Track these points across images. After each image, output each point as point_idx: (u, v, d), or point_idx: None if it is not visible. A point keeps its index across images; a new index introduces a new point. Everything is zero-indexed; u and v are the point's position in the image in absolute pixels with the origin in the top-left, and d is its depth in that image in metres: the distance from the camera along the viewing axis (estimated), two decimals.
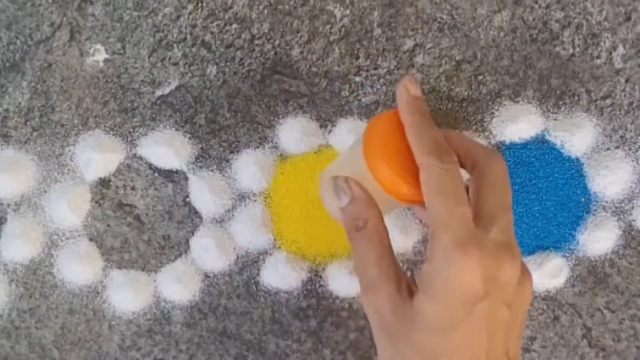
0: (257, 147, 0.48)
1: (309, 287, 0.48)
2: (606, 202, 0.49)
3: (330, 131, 0.49)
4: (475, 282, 0.35)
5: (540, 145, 0.49)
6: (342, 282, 0.48)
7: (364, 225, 0.38)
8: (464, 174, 0.39)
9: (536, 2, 0.49)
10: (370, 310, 0.38)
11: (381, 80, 0.49)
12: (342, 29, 0.49)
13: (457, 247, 0.35)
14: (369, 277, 0.37)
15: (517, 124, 0.48)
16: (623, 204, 0.49)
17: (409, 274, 0.49)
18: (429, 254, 0.36)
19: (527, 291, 0.37)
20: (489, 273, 0.35)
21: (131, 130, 0.48)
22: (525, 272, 0.38)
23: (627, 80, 0.49)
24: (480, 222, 0.36)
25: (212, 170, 0.48)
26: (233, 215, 0.48)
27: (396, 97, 0.39)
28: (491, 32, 0.49)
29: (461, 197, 0.36)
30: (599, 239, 0.48)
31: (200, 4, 0.48)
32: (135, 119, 0.48)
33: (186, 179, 0.48)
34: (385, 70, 0.49)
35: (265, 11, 0.48)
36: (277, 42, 0.48)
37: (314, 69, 0.48)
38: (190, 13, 0.48)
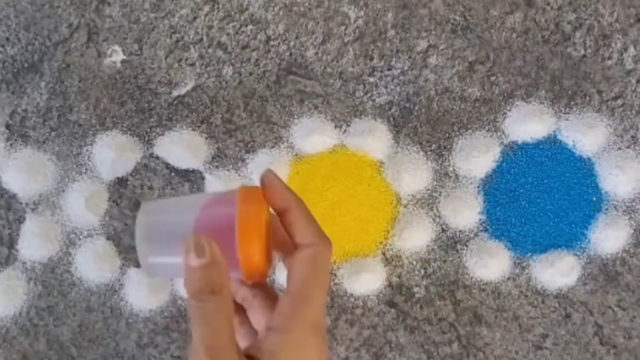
0: (273, 146, 0.49)
1: None
2: (617, 201, 0.49)
3: (344, 131, 0.49)
4: None
5: (552, 145, 0.49)
6: (356, 281, 0.48)
7: (219, 290, 0.35)
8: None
9: (548, 4, 0.49)
10: None
11: (395, 81, 0.49)
12: (357, 30, 0.49)
13: None
14: (217, 342, 0.34)
15: (530, 124, 0.49)
16: (634, 203, 0.49)
17: (422, 272, 0.49)
18: None
19: None
20: None
21: (148, 130, 0.48)
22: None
23: (638, 81, 0.49)
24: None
25: (228, 170, 0.48)
26: None
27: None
28: (504, 34, 0.49)
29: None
30: (610, 238, 0.49)
31: (216, 6, 0.49)
32: (152, 119, 0.48)
33: (202, 178, 0.48)
34: (399, 70, 0.49)
35: (281, 13, 0.49)
36: (292, 43, 0.49)
37: (328, 69, 0.49)
38: (206, 14, 0.49)
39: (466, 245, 0.49)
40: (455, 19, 0.49)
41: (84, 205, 0.48)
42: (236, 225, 0.34)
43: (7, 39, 0.48)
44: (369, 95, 0.49)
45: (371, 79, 0.49)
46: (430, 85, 0.49)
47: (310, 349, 0.35)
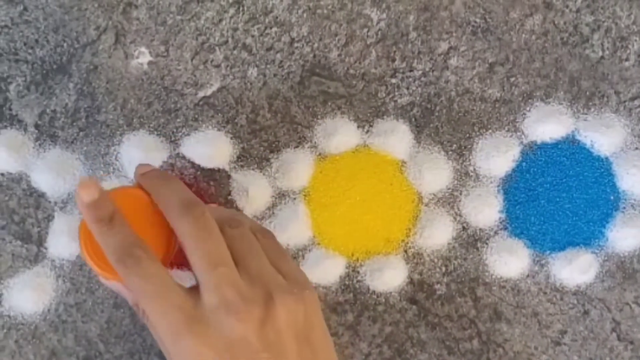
0: (297, 146, 0.49)
1: (347, 283, 0.49)
2: (634, 200, 0.50)
3: (367, 131, 0.49)
4: (206, 357, 0.35)
5: (571, 145, 0.50)
6: (378, 278, 0.49)
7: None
8: None
9: (567, 6, 0.50)
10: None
11: (416, 82, 0.49)
12: (379, 32, 0.49)
13: (172, 339, 0.35)
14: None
15: (549, 124, 0.49)
16: None
17: (443, 269, 0.49)
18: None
19: (280, 319, 0.36)
20: (215, 342, 0.35)
21: (174, 130, 0.49)
22: (270, 298, 0.36)
23: None
24: (198, 289, 0.37)
25: (253, 169, 0.49)
26: (273, 212, 0.49)
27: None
28: (523, 35, 0.50)
29: (161, 288, 0.36)
30: (627, 236, 0.49)
31: (241, 8, 0.49)
32: (178, 120, 0.49)
33: (228, 177, 0.49)
34: (420, 72, 0.49)
35: (305, 15, 0.49)
36: (315, 45, 0.49)
37: (351, 71, 0.49)
38: (231, 17, 0.49)
39: (486, 243, 0.49)
40: (475, 21, 0.50)
41: None
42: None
43: (36, 41, 0.48)
44: (391, 96, 0.49)
45: (393, 80, 0.49)
46: (451, 86, 0.49)
47: None
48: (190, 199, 0.39)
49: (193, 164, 0.49)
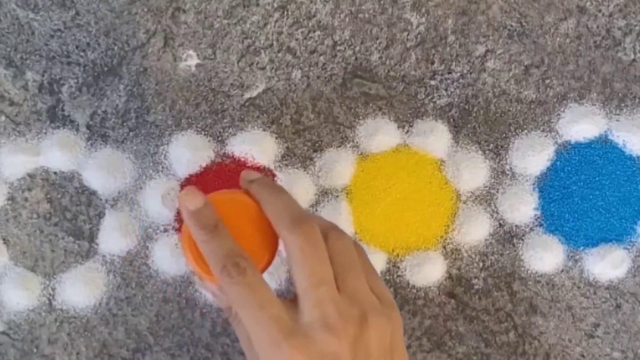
0: (339, 146, 0.50)
1: (387, 277, 0.50)
2: None
3: (407, 131, 0.50)
4: None
5: (604, 145, 0.51)
6: (418, 273, 0.50)
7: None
8: None
9: (600, 11, 0.51)
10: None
11: (455, 84, 0.50)
12: (418, 36, 0.50)
13: (270, 348, 0.36)
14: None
15: (582, 124, 0.50)
16: None
17: (481, 264, 0.50)
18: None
19: (371, 339, 0.37)
20: (310, 355, 0.35)
21: (221, 130, 0.50)
22: (364, 319, 0.37)
23: None
24: (298, 302, 0.37)
25: (297, 168, 0.50)
26: (317, 210, 0.50)
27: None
28: (558, 39, 0.51)
29: (262, 299, 0.36)
30: None
31: (285, 13, 0.50)
32: (225, 120, 0.50)
33: (273, 175, 0.50)
34: (458, 74, 0.50)
35: (347, 19, 0.50)
36: (357, 48, 0.50)
37: (392, 73, 0.50)
38: (276, 21, 0.50)
39: (522, 240, 0.50)
40: (511, 25, 0.50)
41: (160, 201, 0.49)
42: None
43: (88, 44, 0.49)
44: (430, 97, 0.50)
45: (432, 82, 0.50)
46: (488, 88, 0.50)
47: None
48: (301, 213, 0.39)
49: (239, 163, 0.50)
